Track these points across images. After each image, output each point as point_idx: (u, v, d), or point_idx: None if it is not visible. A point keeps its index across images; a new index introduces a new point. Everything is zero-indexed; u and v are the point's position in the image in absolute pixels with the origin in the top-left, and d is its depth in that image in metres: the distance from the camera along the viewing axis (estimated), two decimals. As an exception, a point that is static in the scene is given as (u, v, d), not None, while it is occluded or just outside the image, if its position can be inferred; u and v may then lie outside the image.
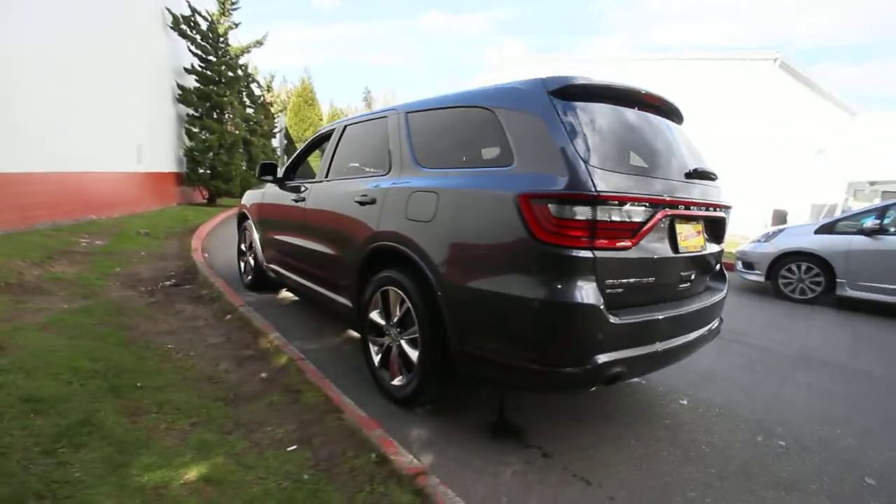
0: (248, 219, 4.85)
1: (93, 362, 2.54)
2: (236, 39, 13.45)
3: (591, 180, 1.81)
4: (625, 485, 1.97)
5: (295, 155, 4.25)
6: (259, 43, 13.08)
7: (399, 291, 2.47)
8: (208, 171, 12.49)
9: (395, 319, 2.52)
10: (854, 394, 3.13)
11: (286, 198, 3.93)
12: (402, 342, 2.48)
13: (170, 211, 11.00)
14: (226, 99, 12.31)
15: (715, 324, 2.54)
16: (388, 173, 2.74)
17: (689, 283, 2.32)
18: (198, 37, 12.01)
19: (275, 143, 20.01)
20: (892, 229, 4.97)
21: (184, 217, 10.24)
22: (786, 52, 13.60)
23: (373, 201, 2.69)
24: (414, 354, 2.39)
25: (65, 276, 4.56)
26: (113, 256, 5.73)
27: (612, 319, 1.85)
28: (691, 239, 2.25)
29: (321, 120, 33.08)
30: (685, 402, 2.80)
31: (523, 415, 2.50)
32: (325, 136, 3.86)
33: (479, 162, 2.26)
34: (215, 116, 12.61)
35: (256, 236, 4.56)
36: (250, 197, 4.86)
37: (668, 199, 2.03)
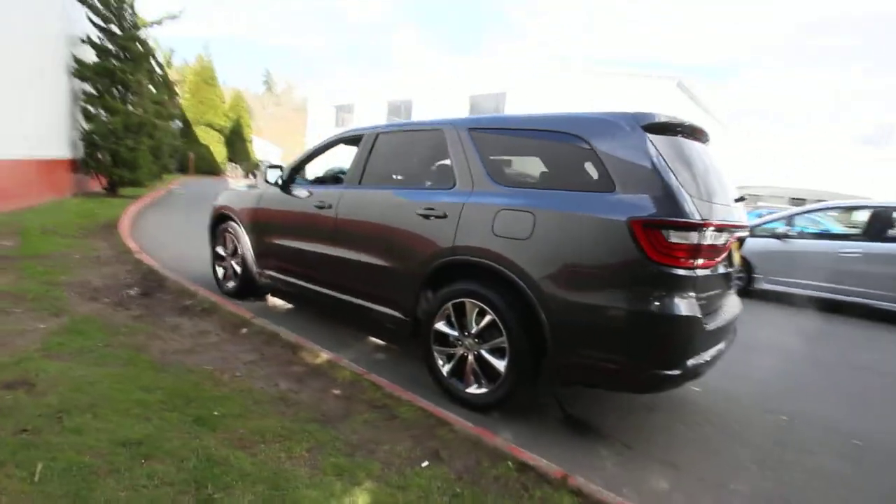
0: (228, 221, 4.49)
1: (148, 392, 2.28)
2: (143, 9, 11.88)
3: (695, 209, 2.12)
4: (702, 465, 2.33)
5: (301, 159, 4.04)
6: (173, 16, 11.68)
7: (479, 303, 2.58)
8: (110, 158, 10.92)
9: (474, 330, 2.62)
10: (803, 371, 3.91)
11: (301, 204, 3.76)
12: (483, 352, 2.60)
13: (68, 203, 9.50)
14: (132, 77, 10.85)
15: (736, 329, 3.03)
16: (453, 188, 2.81)
17: (727, 294, 2.76)
18: (97, 2, 10.39)
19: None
20: (796, 234, 6.19)
21: (89, 211, 8.94)
22: (682, 75, 15.67)
23: (444, 216, 2.74)
24: (499, 364, 2.53)
25: (2, 287, 3.84)
26: (41, 261, 4.90)
27: (707, 327, 2.19)
28: (735, 255, 2.69)
29: (223, 102, 30.38)
30: (698, 388, 3.29)
31: (581, 410, 2.77)
32: (347, 141, 3.75)
33: (573, 185, 2.44)
34: (117, 95, 11.05)
35: (247, 242, 4.26)
36: (235, 198, 4.50)
37: (735, 223, 2.42)
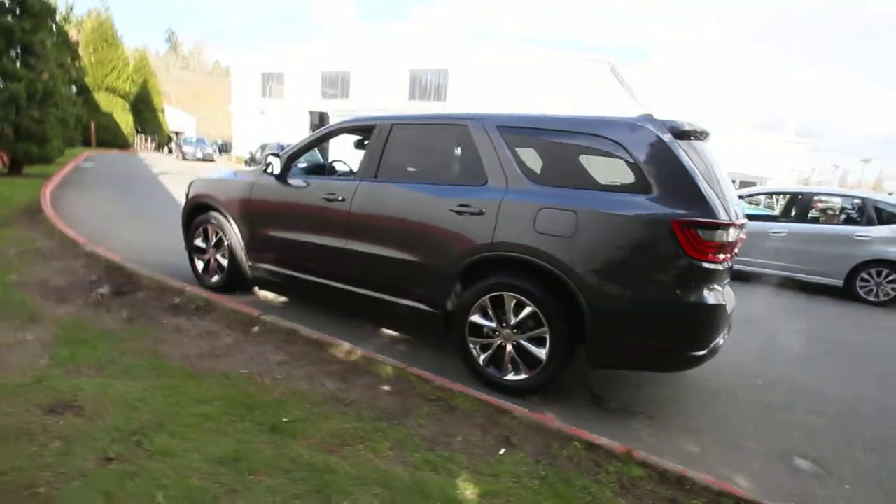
0: (209, 212, 4.21)
1: (206, 404, 2.19)
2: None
3: (722, 210, 2.41)
4: (714, 428, 2.72)
5: (298, 149, 3.85)
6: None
7: (519, 296, 2.73)
8: (12, 132, 9.47)
9: (513, 321, 2.78)
10: (757, 340, 4.55)
11: (305, 196, 3.63)
12: (522, 342, 2.77)
13: (-34, 185, 8.17)
14: (36, 37, 9.38)
15: None
16: (485, 184, 2.89)
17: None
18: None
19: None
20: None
21: (-4, 194, 7.79)
22: (615, 59, 16.55)
23: (480, 212, 2.83)
24: (540, 352, 2.72)
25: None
26: (-25, 258, 4.28)
27: (727, 313, 2.53)
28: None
29: (127, 65, 27.14)
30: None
31: (603, 389, 3.07)
32: (353, 130, 3.64)
33: (611, 186, 2.64)
34: (16, 58, 9.52)
35: (235, 234, 4.03)
36: (218, 188, 4.21)
37: (743, 221, 2.76)
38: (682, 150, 2.51)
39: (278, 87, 25.71)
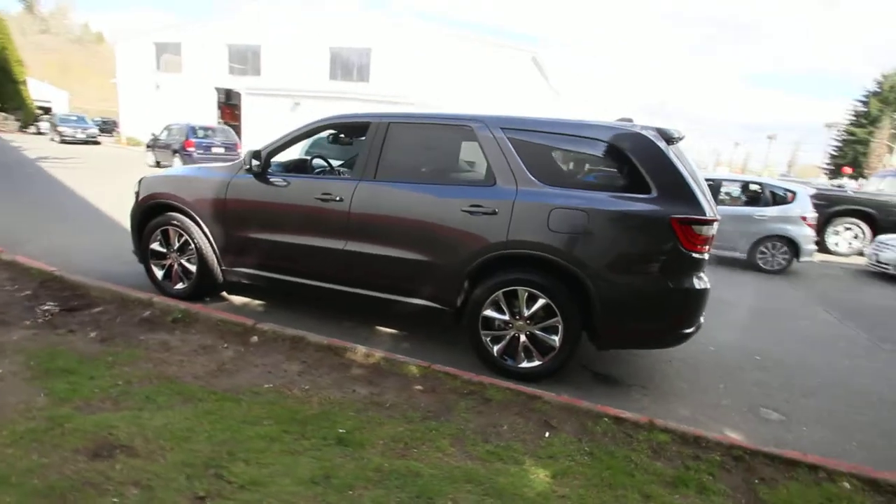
0: (170, 213, 3.86)
1: (258, 425, 2.12)
2: None
3: (709, 207, 2.79)
4: (694, 392, 3.18)
5: (278, 144, 3.64)
6: None
7: (532, 290, 2.93)
8: None
9: (527, 314, 2.98)
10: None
11: (293, 195, 3.49)
12: (535, 332, 2.99)
13: None
14: None
15: None
16: (494, 185, 3.02)
17: None
18: None
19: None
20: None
21: None
22: (537, 49, 17.22)
23: (493, 212, 2.96)
24: (552, 340, 2.95)
25: None
26: None
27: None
28: None
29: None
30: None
31: (599, 367, 3.42)
32: (341, 127, 3.53)
33: (613, 186, 2.89)
34: None
35: (204, 237, 3.74)
36: (180, 185, 3.86)
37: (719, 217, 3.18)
38: (673, 154, 2.84)
39: (174, 59, 23.00)
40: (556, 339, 2.95)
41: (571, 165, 3.10)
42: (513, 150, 3.03)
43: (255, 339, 3.20)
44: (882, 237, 7.76)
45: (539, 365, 3.02)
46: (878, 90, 41.76)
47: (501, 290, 3.01)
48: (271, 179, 3.58)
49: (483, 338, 3.11)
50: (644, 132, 2.87)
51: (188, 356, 2.90)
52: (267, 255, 3.64)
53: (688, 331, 2.89)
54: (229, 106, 25.89)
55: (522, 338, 3.04)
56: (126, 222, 6.80)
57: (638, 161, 2.83)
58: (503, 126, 3.09)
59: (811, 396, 3.26)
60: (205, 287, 3.94)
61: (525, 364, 3.05)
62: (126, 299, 3.67)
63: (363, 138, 3.48)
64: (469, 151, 3.19)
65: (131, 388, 2.38)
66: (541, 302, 2.93)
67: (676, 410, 2.91)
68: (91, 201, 8.33)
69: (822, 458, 2.32)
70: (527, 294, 2.96)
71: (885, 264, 7.29)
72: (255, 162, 3.51)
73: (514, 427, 2.41)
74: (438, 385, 2.76)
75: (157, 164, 15.24)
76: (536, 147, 3.08)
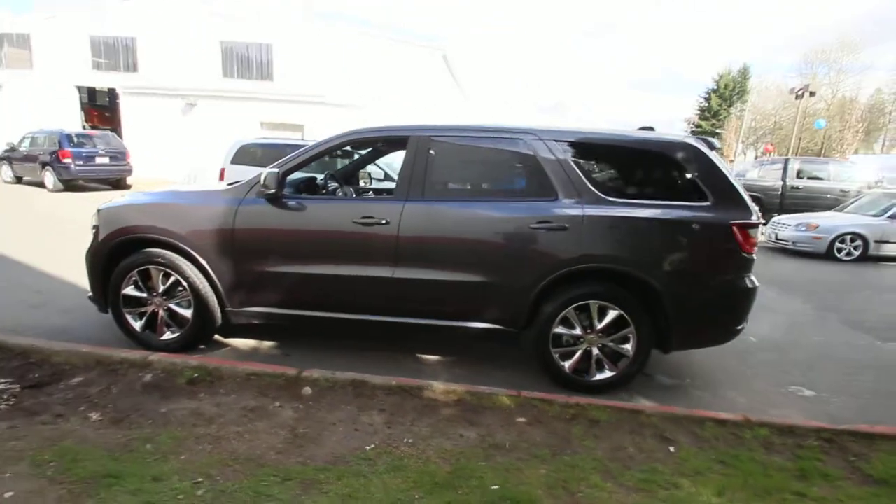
0: (152, 248, 3.18)
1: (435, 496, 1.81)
2: None
3: (756, 211, 3.02)
4: (739, 379, 3.44)
5: (295, 163, 3.15)
6: None
7: (604, 302, 2.93)
8: None
9: (599, 326, 2.97)
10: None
11: (327, 220, 3.08)
12: (609, 343, 2.99)
13: None
14: None
15: None
16: (557, 199, 2.94)
17: None
18: None
19: None
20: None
21: None
22: (447, 47, 17.38)
23: (564, 228, 2.88)
24: (627, 349, 2.98)
25: None
26: None
27: None
28: None
29: None
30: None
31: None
32: (372, 143, 3.17)
33: (671, 196, 2.97)
34: None
35: (208, 274, 3.15)
36: (171, 216, 3.19)
37: None
38: (722, 162, 3.02)
39: (21, 53, 19.01)
40: (628, 349, 2.98)
41: (629, 177, 3.14)
42: (572, 162, 2.98)
43: (307, 390, 2.75)
44: (777, 217, 9.20)
45: (612, 376, 3.03)
46: (716, 87, 49.31)
47: (573, 306, 2.96)
48: (290, 203, 3.11)
49: (553, 355, 3.03)
50: (695, 143, 3.01)
51: (243, 425, 2.39)
52: (293, 290, 3.16)
53: (740, 327, 3.11)
54: (95, 108, 22.26)
55: (595, 351, 3.02)
56: (22, 253, 5.61)
57: (693, 170, 2.96)
58: (557, 138, 3.02)
59: (815, 370, 3.71)
60: (204, 334, 3.32)
61: (598, 376, 3.04)
62: (107, 361, 2.93)
63: (360, 152, 3.16)
64: (528, 165, 3.06)
65: (218, 484, 1.89)
66: (613, 313, 2.94)
67: (735, 400, 3.12)
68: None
69: (888, 427, 2.65)
70: (598, 307, 2.95)
71: (784, 240, 8.65)
72: (268, 184, 3.01)
73: (639, 447, 2.38)
74: (539, 414, 2.62)
75: (18, 180, 12.54)
76: (594, 159, 3.07)
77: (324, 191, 3.75)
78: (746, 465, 2.26)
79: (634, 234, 2.89)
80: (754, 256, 3.03)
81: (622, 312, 2.92)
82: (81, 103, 19.98)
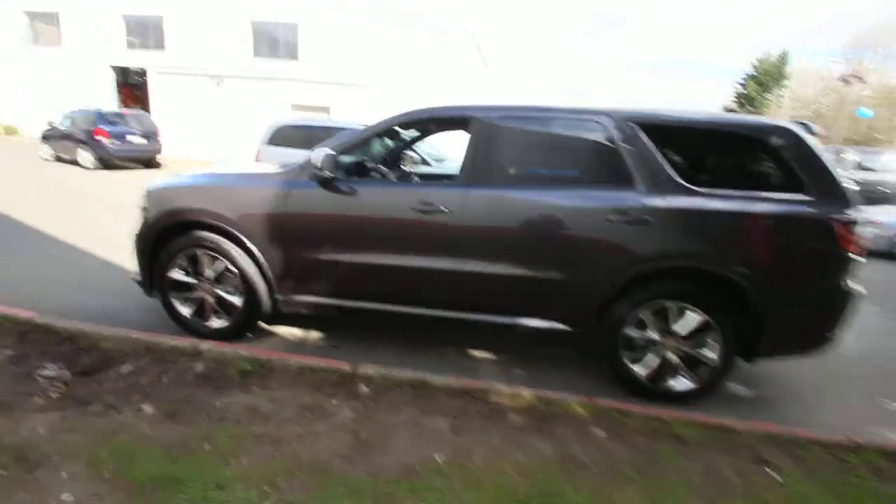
0: (197, 231, 3.05)
1: None
2: None
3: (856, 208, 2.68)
4: (825, 395, 3.15)
5: (348, 145, 2.95)
6: None
7: (683, 303, 2.67)
8: None
9: (678, 330, 2.71)
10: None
11: (382, 205, 2.88)
12: (689, 349, 2.73)
13: None
14: None
15: None
16: (633, 188, 2.67)
17: None
18: None
19: None
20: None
21: None
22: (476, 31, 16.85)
23: (643, 220, 2.61)
24: (707, 355, 2.72)
25: None
26: None
27: None
28: None
29: None
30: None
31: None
32: (434, 122, 2.94)
33: (764, 186, 2.65)
34: None
35: (257, 260, 3.00)
36: (221, 198, 3.03)
37: None
38: (821, 150, 2.69)
39: (51, 28, 19.22)
40: (711, 356, 2.72)
41: (716, 164, 2.84)
42: (651, 148, 2.70)
43: (363, 388, 2.59)
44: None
45: (691, 385, 2.78)
46: (755, 73, 47.08)
47: (649, 307, 2.71)
48: (344, 187, 2.91)
49: (625, 359, 2.80)
50: (792, 126, 2.68)
51: (302, 425, 2.24)
52: (344, 279, 2.99)
53: (832, 334, 2.80)
54: (129, 87, 22.47)
55: (672, 357, 2.78)
56: (62, 230, 5.60)
57: (790, 158, 2.63)
58: (636, 120, 2.73)
59: (885, 376, 3.37)
60: (250, 322, 3.19)
61: (675, 385, 2.79)
62: (157, 349, 2.83)
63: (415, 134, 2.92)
64: (603, 150, 2.78)
65: (286, 495, 1.74)
66: (694, 316, 2.68)
67: (822, 414, 2.86)
68: None
69: None
70: (677, 308, 2.70)
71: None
72: (323, 166, 2.81)
73: (738, 471, 2.14)
74: (617, 426, 2.40)
75: (58, 159, 12.74)
76: (676, 144, 2.77)
77: (374, 174, 3.55)
78: (860, 497, 2.01)
79: (722, 229, 2.60)
80: (858, 257, 2.71)
81: (706, 315, 2.66)
82: (116, 82, 20.18)
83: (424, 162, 7.54)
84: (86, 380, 2.55)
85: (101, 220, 6.59)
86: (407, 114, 3.01)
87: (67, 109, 12.99)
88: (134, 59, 19.38)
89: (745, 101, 46.21)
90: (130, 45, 19.11)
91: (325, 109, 16.43)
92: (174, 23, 18.37)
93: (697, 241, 2.62)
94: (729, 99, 48.83)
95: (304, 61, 17.73)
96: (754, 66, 48.15)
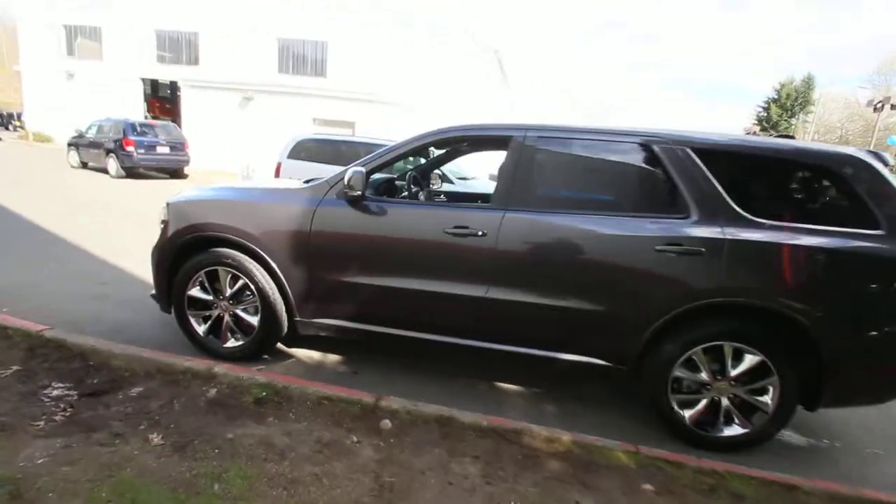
0: (218, 247, 2.92)
1: None
2: None
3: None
4: (852, 440, 2.84)
5: (379, 162, 2.82)
6: None
7: (740, 344, 2.43)
8: None
9: (734, 373, 2.46)
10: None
11: (413, 227, 2.72)
12: (743, 394, 2.48)
13: None
14: None
15: None
16: (688, 217, 2.46)
17: None
18: None
19: None
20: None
21: None
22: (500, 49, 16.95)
23: (698, 252, 2.40)
24: (763, 401, 2.46)
25: None
26: None
27: None
28: None
29: None
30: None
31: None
32: (471, 140, 2.80)
33: (833, 221, 2.41)
34: None
35: (279, 278, 2.86)
36: (244, 214, 2.91)
37: None
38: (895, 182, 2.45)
39: (92, 45, 19.89)
40: (767, 402, 2.46)
41: (780, 194, 2.62)
42: (709, 174, 2.49)
43: (386, 423, 2.39)
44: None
45: (744, 433, 2.52)
46: (776, 97, 46.42)
47: (701, 346, 2.47)
48: (374, 207, 2.77)
49: (672, 402, 2.56)
50: (864, 156, 2.46)
51: (319, 464, 2.05)
52: (371, 303, 2.82)
53: (905, 381, 2.53)
54: (158, 99, 23.10)
55: (724, 400, 2.52)
56: (76, 236, 5.58)
57: (862, 190, 2.40)
58: (690, 145, 2.54)
59: None
60: (268, 343, 3.03)
61: (727, 432, 2.53)
62: (169, 370, 2.68)
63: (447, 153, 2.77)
64: (653, 176, 2.59)
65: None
66: (751, 358, 2.43)
67: (887, 468, 2.54)
68: (15, 211, 6.72)
69: None
70: (732, 349, 2.45)
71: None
72: (353, 184, 2.67)
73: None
74: (667, 480, 2.15)
75: (84, 166, 13.01)
76: (735, 171, 2.56)
77: (404, 194, 3.41)
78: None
79: (786, 265, 2.37)
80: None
81: (764, 357, 2.41)
82: (145, 94, 20.76)
83: (447, 180, 7.42)
84: (93, 402, 2.40)
85: (125, 230, 6.58)
86: (441, 131, 2.86)
87: (95, 118, 13.28)
88: (167, 73, 19.92)
89: (768, 124, 45.56)
90: (161, 60, 19.68)
91: (351, 125, 16.55)
92: (208, 39, 18.85)
93: (756, 276, 2.39)
94: (750, 122, 48.17)
95: (331, 78, 17.97)
96: (776, 90, 47.48)
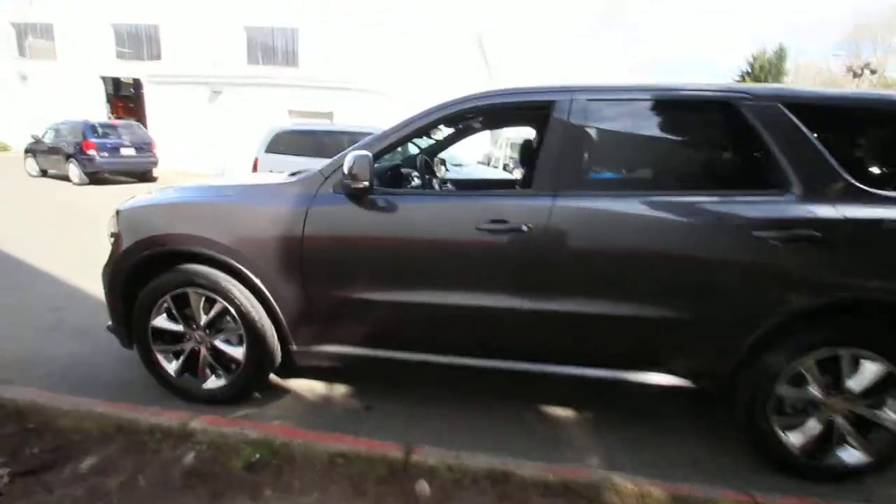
0: (184, 264, 2.30)
1: None
2: None
3: None
4: None
5: (385, 145, 2.22)
6: None
7: (857, 349, 1.92)
8: None
9: (854, 388, 1.95)
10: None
11: (436, 224, 2.14)
12: (864, 411, 1.98)
13: None
14: None
15: None
16: (788, 193, 1.93)
17: None
18: None
19: None
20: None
21: None
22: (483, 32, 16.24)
23: (807, 237, 1.87)
24: (890, 419, 1.96)
25: None
26: None
27: None
28: None
29: None
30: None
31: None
32: (501, 108, 2.21)
33: None
34: None
35: (267, 299, 2.25)
36: (215, 219, 2.29)
37: None
38: None
39: (45, 43, 18.52)
40: (894, 418, 1.97)
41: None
42: (813, 139, 1.95)
43: (423, 487, 1.82)
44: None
45: (864, 459, 2.02)
46: (750, 70, 46.38)
47: (813, 356, 1.95)
48: (381, 202, 2.17)
49: (774, 425, 2.04)
50: None
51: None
52: (385, 323, 2.24)
53: None
54: (120, 98, 21.79)
55: (840, 421, 2.02)
56: (37, 256, 4.85)
57: None
58: (786, 101, 1.99)
59: None
60: (258, 378, 2.43)
61: (842, 459, 2.03)
62: (131, 429, 2.07)
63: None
64: (740, 142, 2.04)
65: None
66: (872, 367, 1.93)
67: None
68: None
69: None
70: (850, 357, 1.94)
71: None
72: (356, 173, 2.06)
73: None
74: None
75: (44, 174, 12.00)
76: (845, 133, 2.03)
77: (415, 183, 2.81)
78: None
79: (923, 250, 1.86)
80: None
81: (891, 366, 1.91)
82: (107, 94, 19.51)
83: (445, 167, 6.81)
84: (31, 483, 1.79)
85: (88, 242, 5.83)
86: (458, 102, 2.24)
87: (53, 121, 12.25)
88: (128, 70, 18.70)
89: (744, 97, 45.61)
90: (123, 56, 18.44)
91: (328, 115, 15.72)
92: (170, 31, 17.69)
93: (887, 265, 1.87)
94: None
95: (304, 67, 17.04)
96: (749, 63, 47.53)
